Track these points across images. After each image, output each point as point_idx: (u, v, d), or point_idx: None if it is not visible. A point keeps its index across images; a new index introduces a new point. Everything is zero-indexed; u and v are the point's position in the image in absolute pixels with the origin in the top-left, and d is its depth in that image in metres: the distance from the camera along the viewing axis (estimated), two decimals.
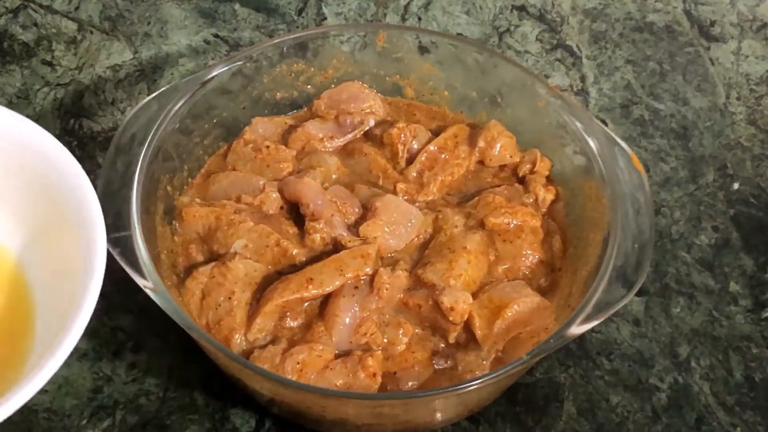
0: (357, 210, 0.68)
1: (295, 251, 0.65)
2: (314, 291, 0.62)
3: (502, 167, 0.73)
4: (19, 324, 0.56)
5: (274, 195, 0.68)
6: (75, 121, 0.82)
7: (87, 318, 0.52)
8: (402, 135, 0.72)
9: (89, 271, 0.53)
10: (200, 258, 0.66)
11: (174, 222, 0.68)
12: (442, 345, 0.63)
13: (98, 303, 0.70)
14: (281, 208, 0.68)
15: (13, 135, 0.58)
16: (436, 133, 0.74)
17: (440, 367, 0.62)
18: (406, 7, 0.92)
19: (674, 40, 0.91)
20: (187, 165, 0.71)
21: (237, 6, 0.91)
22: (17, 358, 0.54)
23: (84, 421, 0.65)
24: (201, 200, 0.69)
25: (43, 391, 0.66)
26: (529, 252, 0.67)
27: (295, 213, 0.68)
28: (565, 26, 0.92)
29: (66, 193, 0.56)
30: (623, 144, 0.68)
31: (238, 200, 0.68)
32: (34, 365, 0.50)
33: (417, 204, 0.69)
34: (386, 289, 0.63)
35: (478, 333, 0.62)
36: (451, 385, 0.59)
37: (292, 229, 0.67)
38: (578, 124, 0.69)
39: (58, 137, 0.80)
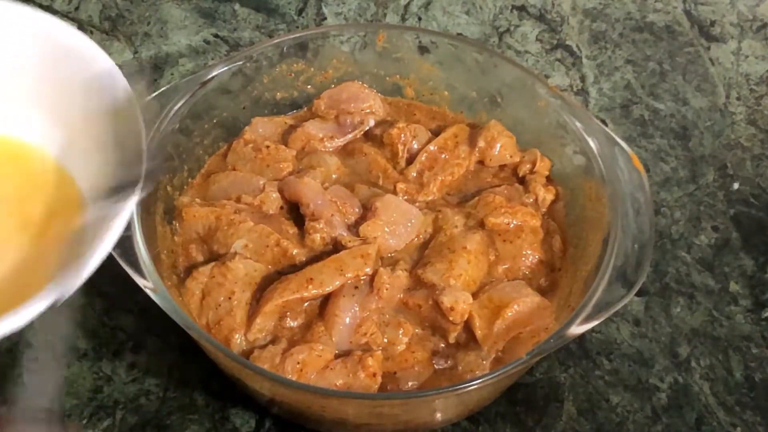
0: (357, 210, 0.68)
1: (295, 251, 0.65)
2: (314, 291, 0.62)
3: (502, 167, 0.73)
4: (70, 216, 0.57)
5: (274, 195, 0.68)
6: None
7: (133, 203, 0.52)
8: (402, 135, 0.72)
9: (130, 161, 0.53)
10: (200, 258, 0.66)
11: (174, 222, 0.68)
12: (442, 345, 0.63)
13: (98, 303, 0.70)
14: (281, 208, 0.68)
15: (45, 35, 0.58)
16: (436, 133, 0.74)
17: (440, 367, 0.62)
18: (406, 7, 0.92)
19: (674, 40, 0.91)
20: (187, 165, 0.71)
21: (237, 6, 0.91)
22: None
23: (84, 421, 0.65)
24: (201, 200, 0.69)
25: None
26: (529, 252, 0.67)
27: (295, 213, 0.68)
28: (565, 26, 0.92)
29: (101, 89, 0.56)
30: (623, 144, 0.68)
31: (238, 200, 0.68)
32: (89, 249, 0.51)
33: (417, 204, 0.69)
34: (386, 289, 0.63)
35: (478, 333, 0.62)
36: (451, 385, 0.59)
37: (292, 229, 0.67)
38: (578, 124, 0.69)
39: None
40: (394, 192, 0.70)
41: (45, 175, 0.58)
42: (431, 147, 0.72)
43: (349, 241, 0.65)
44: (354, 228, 0.67)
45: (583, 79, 0.88)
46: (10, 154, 0.58)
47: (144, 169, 0.53)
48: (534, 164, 0.72)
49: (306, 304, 0.63)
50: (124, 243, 0.60)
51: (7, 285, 0.53)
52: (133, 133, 0.54)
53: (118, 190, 0.52)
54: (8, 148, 0.58)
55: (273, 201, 0.68)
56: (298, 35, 0.75)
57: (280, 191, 0.69)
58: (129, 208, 0.52)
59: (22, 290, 0.50)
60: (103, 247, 0.50)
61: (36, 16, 0.59)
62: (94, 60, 0.57)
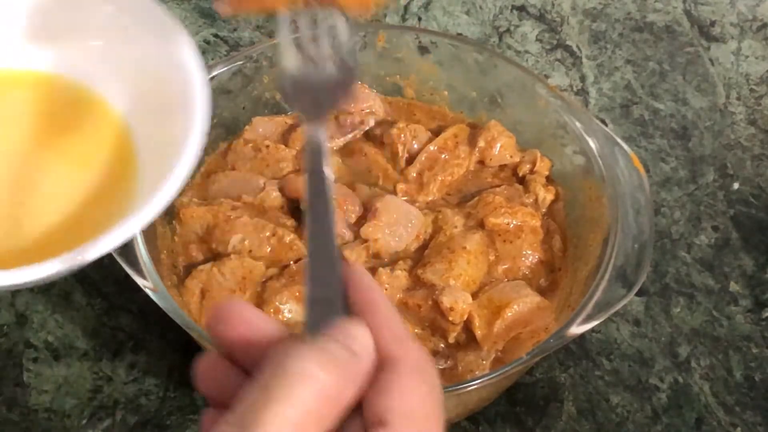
0: (358, 208, 0.68)
1: (288, 238, 0.64)
2: None
3: (502, 167, 0.73)
4: (124, 171, 0.56)
5: (274, 194, 0.68)
6: None
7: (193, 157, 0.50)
8: (402, 135, 0.72)
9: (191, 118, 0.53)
10: (200, 257, 0.66)
11: (174, 222, 0.68)
12: (442, 345, 0.63)
13: (98, 303, 0.70)
14: (281, 207, 0.68)
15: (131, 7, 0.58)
16: (436, 133, 0.74)
17: (440, 367, 0.62)
18: (406, 7, 0.92)
19: (674, 40, 0.91)
20: None
21: None
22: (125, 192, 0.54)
23: (84, 421, 0.65)
24: (200, 200, 0.69)
25: (42, 391, 0.66)
26: (529, 252, 0.67)
27: (297, 212, 0.68)
28: (565, 26, 0.92)
29: (171, 59, 0.54)
30: (623, 144, 0.68)
31: (238, 200, 0.68)
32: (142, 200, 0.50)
33: (417, 204, 0.69)
34: (386, 289, 0.63)
35: (478, 333, 0.62)
36: (451, 385, 0.59)
37: (290, 221, 0.67)
38: (578, 124, 0.69)
39: None
40: (394, 192, 0.70)
41: (105, 124, 0.56)
42: (431, 147, 0.72)
43: (350, 241, 0.65)
44: (354, 227, 0.67)
45: (583, 79, 0.88)
46: (73, 99, 0.57)
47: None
48: (534, 164, 0.72)
49: None
50: (124, 243, 0.60)
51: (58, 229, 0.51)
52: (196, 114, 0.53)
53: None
54: (74, 93, 0.57)
55: (273, 200, 0.68)
56: (298, 35, 0.75)
57: (281, 190, 0.69)
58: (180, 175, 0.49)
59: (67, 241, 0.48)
60: (149, 209, 0.47)
61: None
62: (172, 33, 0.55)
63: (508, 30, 0.91)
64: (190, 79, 0.53)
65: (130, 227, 0.46)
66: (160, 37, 0.54)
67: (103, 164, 0.54)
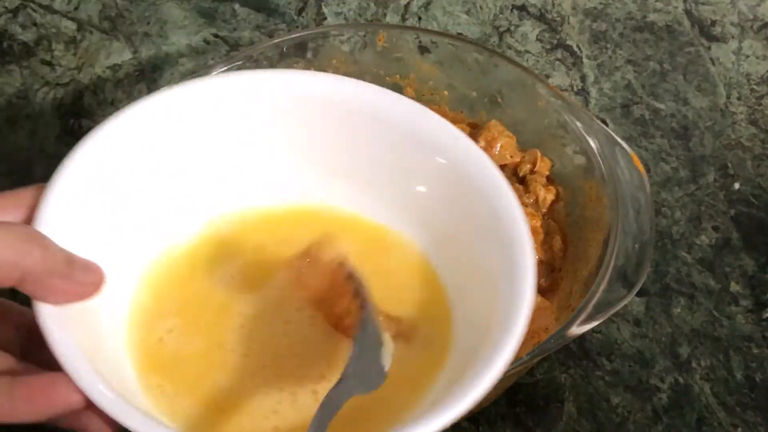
0: None
1: None
2: None
3: (502, 167, 0.73)
4: (437, 327, 0.50)
5: None
6: (74, 121, 0.82)
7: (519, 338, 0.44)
8: None
9: (516, 290, 0.45)
10: None
11: None
12: None
13: None
14: None
15: (440, 142, 0.52)
16: None
17: None
18: (406, 7, 0.92)
19: (675, 39, 0.91)
20: None
21: (237, 6, 0.91)
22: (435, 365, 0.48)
23: None
24: None
25: None
26: None
27: None
28: (566, 26, 0.92)
29: (487, 201, 0.51)
30: (624, 144, 0.68)
31: None
32: (453, 377, 0.45)
33: None
34: None
35: None
36: None
37: None
38: (578, 124, 0.69)
39: (58, 137, 0.81)
40: None
41: (411, 271, 0.52)
42: None
43: None
44: None
45: (583, 78, 0.88)
46: (380, 242, 0.53)
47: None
48: (534, 164, 0.71)
49: None
50: None
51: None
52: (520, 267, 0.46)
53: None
54: (378, 235, 0.53)
55: None
56: (298, 35, 0.75)
57: None
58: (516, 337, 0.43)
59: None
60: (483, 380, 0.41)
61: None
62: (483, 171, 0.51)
63: (508, 30, 0.91)
64: (517, 252, 0.47)
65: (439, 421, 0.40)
66: (489, 199, 0.50)
67: (418, 321, 0.49)
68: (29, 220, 0.44)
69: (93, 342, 0.44)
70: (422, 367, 0.48)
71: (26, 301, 0.43)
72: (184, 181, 0.52)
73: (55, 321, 0.42)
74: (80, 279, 0.44)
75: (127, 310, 0.49)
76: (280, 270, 0.50)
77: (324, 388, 0.46)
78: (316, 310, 0.49)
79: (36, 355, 0.44)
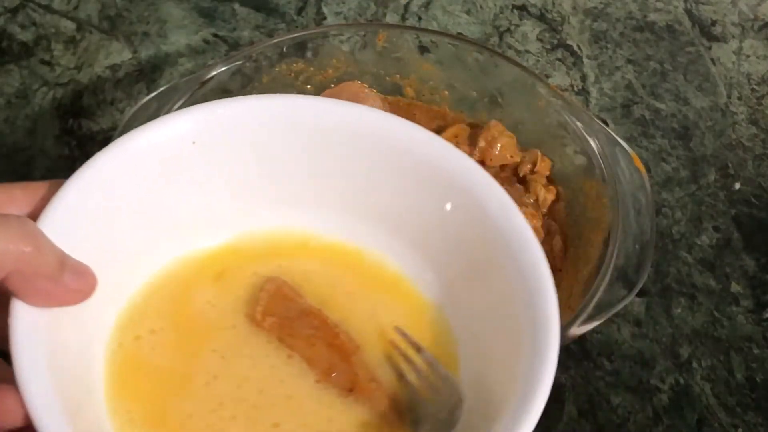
0: None
1: None
2: None
3: (502, 167, 0.73)
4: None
5: None
6: (74, 121, 0.82)
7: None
8: None
9: (539, 356, 0.45)
10: None
11: None
12: None
13: None
14: None
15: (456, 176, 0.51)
16: (436, 133, 0.73)
17: None
18: (406, 6, 0.92)
19: (675, 39, 0.91)
20: None
21: (236, 5, 0.91)
22: None
23: None
24: None
25: None
26: None
27: None
28: (566, 26, 0.91)
29: (509, 256, 0.48)
30: (624, 144, 0.67)
31: None
32: None
33: None
34: None
35: None
36: None
37: None
38: (579, 124, 0.69)
39: (57, 137, 0.80)
40: None
41: (421, 315, 0.51)
42: None
43: None
44: None
45: (583, 78, 0.88)
46: (387, 283, 0.51)
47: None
48: (534, 164, 0.71)
49: None
50: None
51: None
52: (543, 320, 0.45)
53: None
54: (386, 276, 0.52)
55: None
56: (297, 35, 0.75)
57: None
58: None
59: None
60: None
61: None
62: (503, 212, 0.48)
63: (508, 29, 0.91)
64: (543, 316, 0.46)
65: None
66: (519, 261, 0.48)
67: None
68: (35, 214, 0.43)
69: (65, 355, 0.42)
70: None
71: None
72: (209, 193, 0.50)
73: (28, 324, 0.40)
74: (68, 284, 0.42)
75: (114, 317, 0.48)
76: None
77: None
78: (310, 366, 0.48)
79: None
